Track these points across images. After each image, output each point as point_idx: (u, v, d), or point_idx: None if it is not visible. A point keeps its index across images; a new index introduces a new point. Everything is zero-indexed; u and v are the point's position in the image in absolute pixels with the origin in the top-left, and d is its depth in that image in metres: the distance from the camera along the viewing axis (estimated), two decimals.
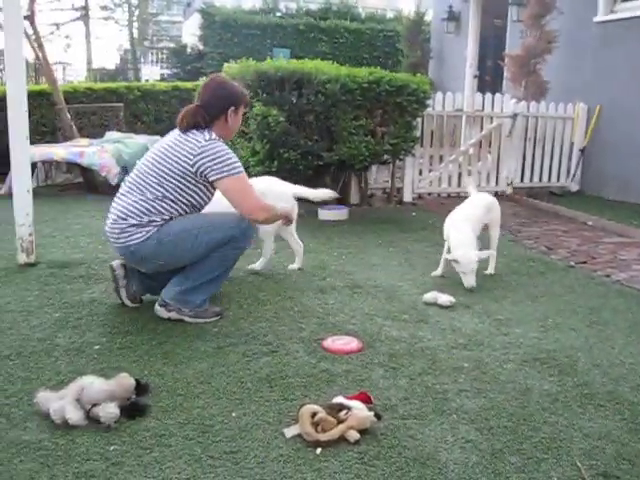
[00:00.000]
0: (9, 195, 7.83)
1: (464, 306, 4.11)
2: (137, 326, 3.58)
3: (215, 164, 3.54)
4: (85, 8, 36.19)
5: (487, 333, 3.66)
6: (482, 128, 8.46)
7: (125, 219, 3.58)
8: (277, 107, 6.35)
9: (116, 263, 3.87)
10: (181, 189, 3.58)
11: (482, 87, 11.97)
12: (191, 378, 2.96)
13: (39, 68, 11.98)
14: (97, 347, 3.29)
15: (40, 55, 9.05)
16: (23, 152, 4.66)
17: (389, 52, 19.31)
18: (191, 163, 3.54)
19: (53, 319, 3.69)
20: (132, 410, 2.62)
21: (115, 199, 3.71)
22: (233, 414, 2.66)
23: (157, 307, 3.72)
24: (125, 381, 2.66)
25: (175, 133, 3.71)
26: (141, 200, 3.57)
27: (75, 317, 3.72)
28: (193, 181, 3.59)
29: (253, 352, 3.27)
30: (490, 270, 4.96)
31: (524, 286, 4.66)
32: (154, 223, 3.58)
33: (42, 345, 3.31)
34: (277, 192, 4.52)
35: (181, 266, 3.74)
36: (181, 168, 3.55)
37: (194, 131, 3.62)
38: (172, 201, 3.59)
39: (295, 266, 4.80)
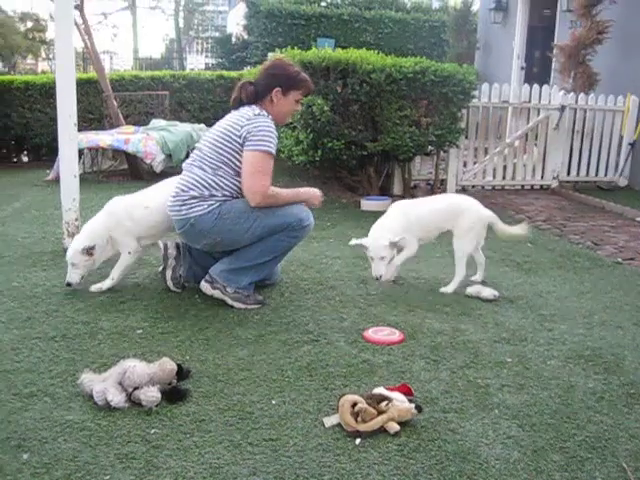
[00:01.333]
0: (56, 180, 7.99)
1: (507, 300, 4.06)
2: (179, 312, 3.61)
3: (253, 135, 3.60)
4: None
5: (531, 328, 3.61)
6: (529, 120, 8.33)
7: (187, 191, 3.69)
8: (322, 96, 6.33)
9: (170, 242, 3.96)
10: (234, 162, 3.66)
11: (529, 79, 11.77)
12: (232, 365, 2.97)
13: (87, 57, 12.15)
14: (139, 331, 3.33)
15: (88, 44, 9.15)
16: (71, 138, 4.71)
17: (434, 43, 19.04)
18: (238, 134, 3.63)
19: (97, 302, 3.75)
20: (173, 394, 2.64)
21: (178, 178, 3.84)
22: (273, 401, 2.67)
23: (203, 283, 3.78)
24: (167, 366, 2.69)
25: (230, 113, 3.81)
26: (201, 174, 3.68)
27: (119, 301, 3.77)
28: (242, 153, 3.64)
29: (294, 340, 3.27)
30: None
31: (569, 282, 4.58)
32: (215, 197, 3.67)
33: (86, 328, 3.37)
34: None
35: (235, 247, 3.78)
36: (231, 140, 3.64)
37: (245, 107, 3.72)
38: (229, 175, 3.67)
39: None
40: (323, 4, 21.10)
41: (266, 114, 3.69)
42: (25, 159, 11.14)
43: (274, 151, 3.64)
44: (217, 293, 3.74)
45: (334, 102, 6.41)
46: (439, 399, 2.74)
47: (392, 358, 3.11)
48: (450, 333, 3.46)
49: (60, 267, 4.39)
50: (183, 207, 3.69)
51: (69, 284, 3.88)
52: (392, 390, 2.63)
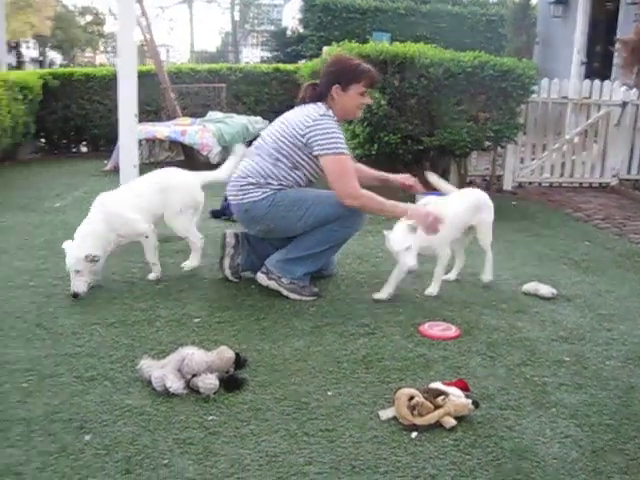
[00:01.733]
0: (114, 170, 8.14)
1: (565, 299, 3.99)
2: (236, 302, 3.66)
3: (321, 139, 3.63)
4: None
5: (589, 327, 3.55)
6: (588, 116, 8.17)
7: (244, 178, 3.78)
8: (379, 90, 6.30)
9: (229, 231, 4.03)
10: (293, 157, 3.71)
11: (590, 74, 11.57)
12: (288, 355, 3.00)
13: (144, 50, 12.34)
14: (197, 320, 3.38)
15: (147, 37, 9.28)
16: (131, 129, 4.82)
17: (491, 37, 18.79)
18: (302, 134, 3.66)
19: (155, 290, 3.82)
20: (230, 383, 2.67)
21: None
22: (329, 393, 2.68)
23: (259, 274, 3.84)
24: (225, 354, 2.72)
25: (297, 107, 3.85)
26: (261, 162, 3.76)
27: (176, 290, 3.83)
28: (303, 151, 3.70)
29: (350, 333, 3.28)
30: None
31: (629, 281, 4.48)
32: (271, 186, 3.73)
33: (144, 315, 3.43)
34: (179, 183, 4.20)
35: (289, 235, 3.83)
36: (294, 136, 3.69)
37: (311, 104, 3.75)
38: (288, 167, 3.73)
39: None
40: None
41: (331, 114, 3.70)
42: (84, 149, 11.36)
43: (344, 149, 3.66)
44: (273, 284, 3.77)
45: (391, 96, 6.38)
46: (496, 396, 2.72)
47: (448, 353, 3.10)
48: (507, 330, 3.43)
49: (118, 255, 4.46)
50: (239, 192, 3.79)
51: (76, 294, 3.63)
52: (449, 385, 2.62)
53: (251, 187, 3.75)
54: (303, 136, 3.65)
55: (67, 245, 3.76)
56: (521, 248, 5.18)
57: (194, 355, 2.66)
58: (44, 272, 4.11)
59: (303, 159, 3.72)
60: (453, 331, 3.33)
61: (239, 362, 2.78)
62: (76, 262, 3.65)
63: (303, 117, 3.70)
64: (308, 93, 3.82)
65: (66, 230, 5.13)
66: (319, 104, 3.74)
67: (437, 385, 2.60)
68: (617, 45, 9.52)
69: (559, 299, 3.97)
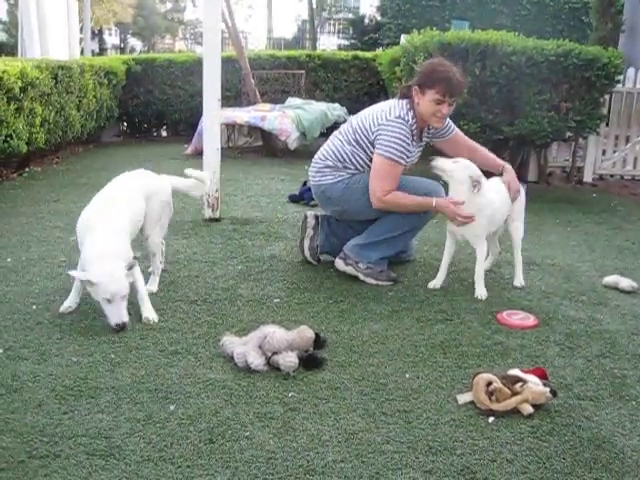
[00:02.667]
0: (194, 154, 8.32)
1: None
2: (315, 284, 3.73)
3: (381, 139, 3.69)
4: None
5: None
6: None
7: (324, 160, 3.90)
8: None
9: (310, 213, 4.12)
10: (368, 147, 3.77)
11: None
12: (366, 337, 3.05)
13: (225, 36, 12.52)
14: (277, 300, 3.46)
15: (229, 23, 9.41)
16: (215, 114, 4.90)
17: (574, 26, 18.41)
18: (373, 130, 3.73)
19: (236, 271, 3.91)
20: (310, 361, 2.73)
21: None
22: (407, 375, 2.71)
23: (337, 260, 3.91)
24: (305, 333, 2.78)
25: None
26: (340, 146, 3.85)
27: (256, 271, 3.92)
28: (374, 145, 3.74)
29: (427, 318, 3.31)
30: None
31: None
32: (348, 170, 3.84)
33: (226, 294, 3.53)
34: (161, 188, 3.69)
35: (362, 219, 3.91)
36: (368, 130, 3.76)
37: (399, 102, 3.77)
38: (365, 155, 3.80)
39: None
40: None
41: (408, 117, 3.70)
42: (164, 134, 11.64)
43: (398, 158, 3.66)
44: (350, 269, 3.83)
45: (472, 84, 6.32)
46: (574, 386, 2.70)
47: (526, 342, 3.09)
48: (586, 322, 3.39)
49: (200, 236, 4.61)
50: (317, 174, 3.92)
51: (124, 325, 3.04)
52: (527, 372, 2.61)
53: (328, 170, 3.87)
54: (373, 132, 3.73)
55: (100, 272, 3.02)
56: (601, 241, 5.08)
57: (275, 333, 2.73)
58: None
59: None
60: (531, 320, 3.32)
61: (319, 342, 2.83)
62: (126, 287, 3.08)
63: (381, 114, 3.75)
64: (402, 90, 3.86)
65: None
66: (403, 102, 3.76)
67: (515, 372, 2.61)
68: None
69: None
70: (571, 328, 3.29)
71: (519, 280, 3.91)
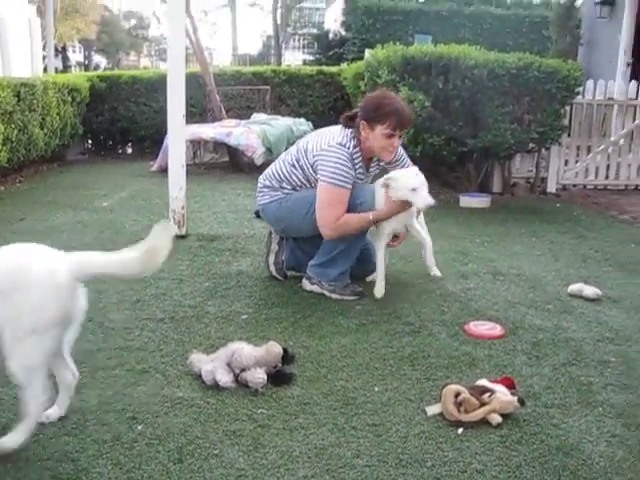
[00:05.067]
0: (160, 171, 8.28)
1: (611, 300, 3.97)
2: (282, 299, 3.72)
3: (321, 166, 3.69)
4: None
5: (635, 329, 3.52)
6: (635, 118, 8.07)
7: (264, 181, 3.99)
8: (423, 92, 6.33)
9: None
10: (308, 168, 3.79)
11: (636, 75, 11.37)
12: (335, 352, 3.04)
13: (189, 53, 12.52)
14: (244, 317, 3.45)
15: (193, 39, 9.41)
16: (180, 130, 4.88)
17: (535, 39, 18.67)
18: (315, 154, 3.75)
19: (203, 288, 3.89)
20: (278, 377, 2.73)
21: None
22: (376, 388, 2.72)
23: (303, 280, 3.92)
24: (274, 349, 2.78)
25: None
26: (280, 167, 3.92)
27: (223, 287, 3.90)
28: (314, 169, 3.77)
29: (395, 331, 3.31)
30: None
31: None
32: (284, 190, 3.90)
33: (193, 311, 3.51)
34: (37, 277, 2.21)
35: (305, 234, 3.95)
36: (310, 151, 3.78)
37: (344, 130, 3.76)
38: (302, 176, 3.83)
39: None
40: (421, 0, 21.03)
41: (349, 146, 3.69)
42: (129, 151, 11.57)
43: (342, 182, 3.64)
44: (315, 288, 3.86)
45: (435, 98, 6.39)
46: (541, 394, 2.72)
47: (493, 352, 3.11)
48: (552, 330, 3.42)
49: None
50: (258, 194, 4.03)
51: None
52: (495, 382, 2.63)
53: (266, 190, 3.96)
54: (314, 156, 3.74)
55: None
56: (565, 250, 5.15)
57: (243, 350, 2.72)
58: None
59: (314, 176, 3.78)
60: (498, 330, 3.34)
61: (287, 357, 2.83)
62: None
63: (323, 140, 3.75)
64: (344, 119, 3.82)
65: (115, 229, 5.29)
66: (347, 132, 3.75)
67: (483, 382, 2.62)
68: None
69: (604, 300, 3.95)
70: (537, 337, 3.32)
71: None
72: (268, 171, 3.99)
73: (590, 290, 4.00)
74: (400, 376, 2.83)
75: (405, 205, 3.67)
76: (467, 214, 6.34)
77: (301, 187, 3.86)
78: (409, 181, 3.62)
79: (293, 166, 3.83)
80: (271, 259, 4.06)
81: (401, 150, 3.96)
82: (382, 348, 3.10)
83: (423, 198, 3.61)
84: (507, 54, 6.68)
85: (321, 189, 3.69)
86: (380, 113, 3.64)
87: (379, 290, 3.80)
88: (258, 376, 2.65)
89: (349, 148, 3.69)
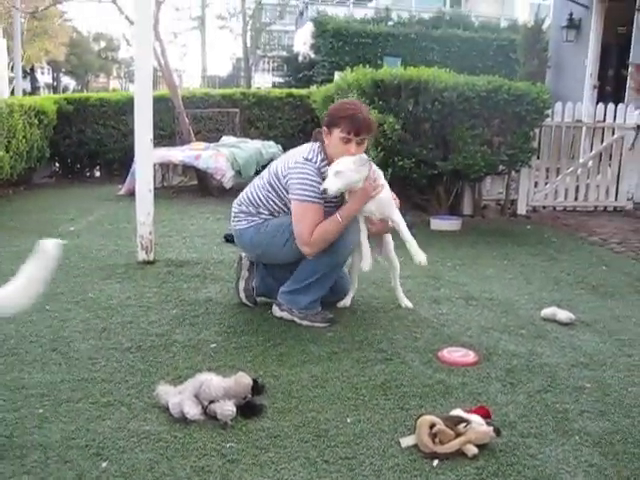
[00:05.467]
0: (127, 195, 8.18)
1: (584, 324, 3.94)
2: (252, 327, 3.63)
3: (293, 184, 3.63)
4: (202, 18, 37.39)
5: (609, 353, 3.49)
6: (603, 140, 8.14)
7: (239, 205, 3.89)
8: (393, 115, 6.32)
9: (244, 254, 4.02)
10: (282, 191, 3.72)
11: (602, 98, 11.54)
12: (306, 381, 2.96)
13: (158, 75, 12.47)
14: (213, 345, 3.35)
15: (162, 62, 9.35)
16: (147, 154, 4.80)
17: (502, 62, 18.96)
18: (284, 174, 3.69)
19: (171, 316, 3.79)
20: (248, 409, 2.64)
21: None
22: (348, 420, 2.64)
23: (273, 306, 3.85)
24: (243, 380, 2.69)
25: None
26: (256, 191, 3.82)
27: (192, 315, 3.81)
28: (287, 189, 3.70)
29: (367, 359, 3.24)
30: None
31: None
32: (261, 215, 3.80)
33: (160, 340, 3.41)
34: None
35: (281, 262, 3.86)
36: (280, 172, 3.72)
37: (312, 145, 3.74)
38: (278, 199, 3.74)
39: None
40: (390, 23, 21.23)
41: (314, 160, 3.65)
42: (97, 174, 11.44)
43: (313, 198, 3.57)
44: (285, 314, 3.78)
45: (405, 120, 6.39)
46: (517, 423, 2.67)
47: (467, 380, 3.05)
48: (526, 356, 3.38)
49: (134, 279, 4.48)
50: (234, 219, 3.91)
51: None
52: (470, 412, 2.57)
53: (242, 215, 3.85)
54: (285, 177, 3.68)
55: None
56: (537, 273, 5.13)
57: (212, 381, 2.63)
58: (59, 296, 4.10)
59: (287, 197, 3.71)
60: (472, 357, 3.29)
61: (257, 388, 2.75)
62: None
63: (290, 159, 3.72)
64: (315, 134, 3.82)
65: (81, 254, 5.17)
66: (314, 146, 3.73)
67: (458, 412, 2.56)
68: (630, 69, 9.52)
69: (578, 324, 3.92)
70: (512, 363, 3.28)
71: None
72: (243, 196, 3.90)
73: (563, 314, 3.97)
74: (373, 406, 2.76)
75: (366, 192, 3.60)
76: (438, 237, 6.31)
77: (279, 213, 3.77)
78: (348, 161, 3.53)
79: (268, 191, 3.75)
80: (241, 285, 3.97)
81: (375, 168, 3.78)
82: (354, 377, 3.03)
83: (333, 185, 3.51)
84: (477, 77, 6.70)
85: (293, 206, 3.64)
86: (336, 117, 3.63)
87: (366, 264, 3.71)
88: (227, 408, 2.56)
89: (316, 162, 3.64)
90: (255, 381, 2.74)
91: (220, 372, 2.90)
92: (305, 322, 3.69)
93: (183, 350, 3.28)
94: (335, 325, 3.69)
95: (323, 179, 3.58)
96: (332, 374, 3.04)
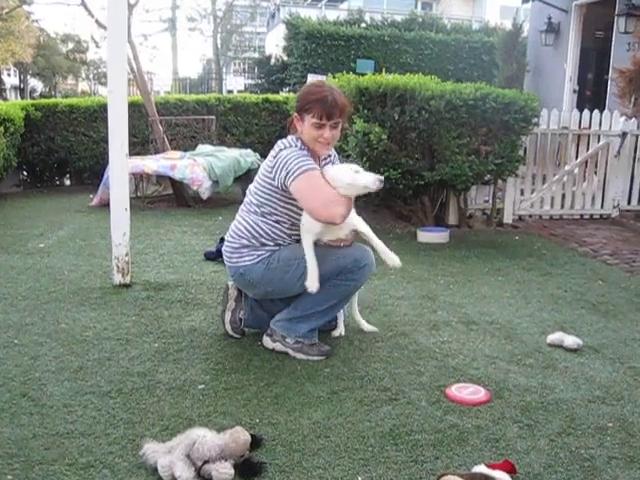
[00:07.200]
0: (100, 206, 7.84)
1: (593, 350, 3.72)
2: (242, 363, 3.33)
3: (284, 170, 3.28)
4: (172, 20, 36.93)
5: (625, 384, 3.27)
6: (588, 147, 7.97)
7: (238, 239, 3.49)
8: (379, 124, 6.07)
9: (231, 283, 3.70)
10: (274, 202, 3.40)
11: (581, 102, 11.44)
12: (307, 430, 2.68)
13: (131, 80, 12.12)
14: (201, 386, 3.05)
15: (135, 67, 9.02)
16: (122, 170, 4.49)
17: (474, 64, 18.92)
18: (271, 176, 3.36)
19: (152, 350, 3.49)
20: (246, 468, 2.35)
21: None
22: (359, 478, 2.37)
23: (264, 337, 3.56)
24: (240, 436, 2.39)
25: None
26: (250, 219, 3.46)
27: (175, 349, 3.51)
28: (280, 193, 3.37)
29: (371, 399, 2.97)
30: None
31: None
32: (266, 247, 3.44)
33: (143, 381, 3.10)
34: None
35: (289, 295, 3.53)
36: (266, 182, 3.40)
37: (283, 140, 3.43)
38: (275, 221, 3.41)
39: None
40: (363, 25, 21.03)
41: (295, 144, 3.36)
42: (68, 182, 11.05)
43: (306, 167, 3.24)
44: (278, 346, 3.48)
45: (391, 130, 6.14)
46: (543, 475, 2.42)
47: (481, 422, 2.80)
48: (539, 391, 3.14)
49: (110, 306, 4.17)
50: (234, 255, 3.50)
51: None
52: (494, 467, 2.32)
53: (245, 250, 3.46)
54: (273, 178, 3.34)
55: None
56: (534, 290, 4.91)
57: (205, 438, 2.33)
58: (29, 327, 3.78)
59: (283, 202, 3.38)
60: (483, 394, 3.04)
61: (255, 442, 2.45)
62: None
63: (268, 158, 3.42)
64: (289, 125, 3.52)
65: (52, 276, 4.85)
66: (289, 137, 3.43)
67: (482, 469, 2.31)
68: (614, 75, 9.38)
69: (586, 350, 3.70)
70: (525, 400, 3.03)
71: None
72: (237, 227, 3.51)
73: (570, 340, 3.75)
74: (384, 459, 2.48)
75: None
76: (427, 250, 6.07)
77: (282, 238, 3.44)
78: (346, 171, 3.29)
79: (263, 214, 3.41)
80: (227, 317, 3.66)
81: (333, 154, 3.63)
82: (359, 423, 2.75)
83: (372, 177, 3.25)
84: (464, 84, 6.47)
85: (295, 186, 3.24)
86: (306, 102, 3.33)
87: (312, 282, 3.33)
88: (224, 471, 2.26)
89: (296, 146, 3.35)
90: (253, 436, 2.45)
91: (211, 420, 2.64)
92: (300, 355, 3.41)
93: (169, 393, 2.97)
94: (332, 359, 3.41)
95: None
96: (335, 420, 2.77)
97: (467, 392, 3.05)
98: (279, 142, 3.44)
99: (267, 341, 3.53)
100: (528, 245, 6.54)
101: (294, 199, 3.34)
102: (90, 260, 5.39)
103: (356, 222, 3.50)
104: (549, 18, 12.19)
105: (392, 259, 3.50)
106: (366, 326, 3.87)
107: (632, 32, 9.21)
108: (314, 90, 3.39)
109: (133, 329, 3.77)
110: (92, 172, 10.20)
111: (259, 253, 3.43)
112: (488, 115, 6.36)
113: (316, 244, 3.41)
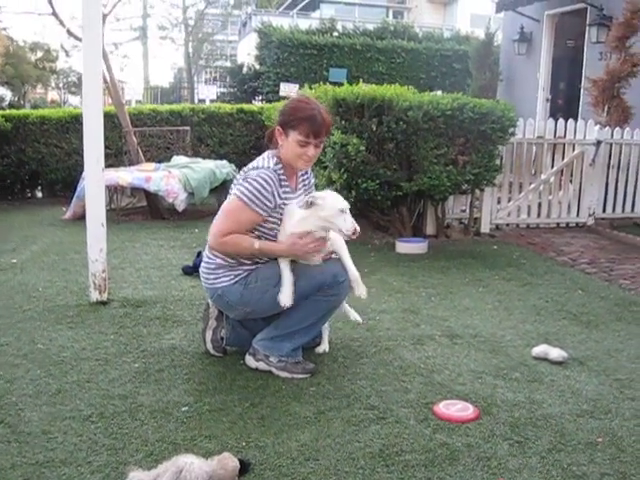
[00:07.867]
0: (73, 219, 7.72)
1: (577, 362, 3.70)
2: (225, 383, 3.26)
3: (239, 185, 3.28)
4: (143, 28, 36.70)
5: (611, 397, 3.25)
6: (564, 156, 8.01)
7: (214, 258, 3.40)
8: (356, 135, 6.03)
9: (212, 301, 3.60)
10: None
11: (554, 111, 11.52)
12: (295, 452, 2.61)
13: (104, 90, 11.98)
14: (185, 409, 2.97)
15: (108, 77, 8.90)
16: (98, 185, 4.42)
17: (446, 72, 19.05)
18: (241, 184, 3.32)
19: (133, 370, 3.40)
20: None
21: None
22: None
23: (247, 356, 3.48)
24: (228, 462, 2.32)
25: None
26: None
27: (156, 369, 3.42)
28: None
29: (359, 419, 2.91)
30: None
31: (635, 336, 4.22)
32: (244, 267, 3.36)
33: (124, 404, 3.01)
34: None
35: (269, 315, 3.45)
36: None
37: (259, 158, 3.39)
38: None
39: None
40: (335, 34, 21.04)
41: (271, 165, 3.30)
42: (40, 195, 10.88)
43: (248, 200, 3.20)
44: (261, 365, 3.41)
45: (369, 141, 6.11)
46: None
47: (471, 440, 2.76)
48: (527, 406, 3.11)
49: (87, 324, 4.08)
50: (210, 276, 3.42)
51: None
52: None
53: (222, 270, 3.37)
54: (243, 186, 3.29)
55: None
56: (515, 300, 4.90)
57: (193, 465, 2.25)
58: (4, 348, 3.67)
59: (260, 224, 3.32)
60: (471, 411, 3.00)
61: (243, 468, 2.39)
62: None
63: (240, 173, 3.39)
64: (268, 136, 3.46)
65: (26, 293, 4.73)
66: (269, 153, 3.38)
67: None
68: (587, 84, 9.45)
69: (571, 363, 3.68)
70: (514, 415, 3.00)
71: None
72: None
73: (555, 352, 3.73)
74: None
75: (295, 247, 3.27)
76: (406, 261, 6.04)
77: (261, 258, 3.37)
78: (338, 201, 3.24)
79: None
80: (208, 336, 3.57)
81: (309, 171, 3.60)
82: (348, 444, 2.69)
83: (351, 222, 3.20)
84: (441, 95, 6.47)
85: (229, 200, 3.27)
86: (293, 118, 3.27)
87: (286, 298, 3.27)
88: None
89: (269, 167, 3.28)
90: (241, 461, 2.38)
91: (197, 444, 2.57)
92: (284, 373, 3.34)
93: (151, 416, 2.88)
94: (317, 376, 3.35)
95: (280, 185, 3.29)
96: (323, 441, 2.70)
97: (455, 409, 3.01)
98: (263, 157, 3.38)
99: (250, 360, 3.45)
100: (507, 254, 6.54)
101: (271, 215, 3.29)
102: (65, 276, 5.28)
103: (337, 247, 3.41)
104: (522, 27, 12.27)
105: (360, 291, 3.42)
106: (353, 314, 3.77)
107: (604, 41, 9.28)
108: (302, 107, 3.32)
109: (112, 348, 3.67)
110: (64, 184, 10.07)
111: (236, 273, 3.36)
112: (465, 125, 6.37)
113: (295, 261, 3.36)
